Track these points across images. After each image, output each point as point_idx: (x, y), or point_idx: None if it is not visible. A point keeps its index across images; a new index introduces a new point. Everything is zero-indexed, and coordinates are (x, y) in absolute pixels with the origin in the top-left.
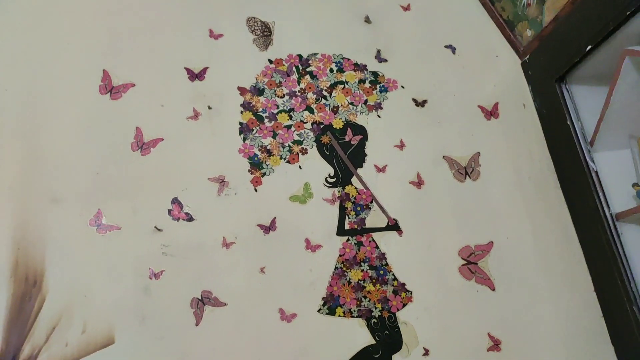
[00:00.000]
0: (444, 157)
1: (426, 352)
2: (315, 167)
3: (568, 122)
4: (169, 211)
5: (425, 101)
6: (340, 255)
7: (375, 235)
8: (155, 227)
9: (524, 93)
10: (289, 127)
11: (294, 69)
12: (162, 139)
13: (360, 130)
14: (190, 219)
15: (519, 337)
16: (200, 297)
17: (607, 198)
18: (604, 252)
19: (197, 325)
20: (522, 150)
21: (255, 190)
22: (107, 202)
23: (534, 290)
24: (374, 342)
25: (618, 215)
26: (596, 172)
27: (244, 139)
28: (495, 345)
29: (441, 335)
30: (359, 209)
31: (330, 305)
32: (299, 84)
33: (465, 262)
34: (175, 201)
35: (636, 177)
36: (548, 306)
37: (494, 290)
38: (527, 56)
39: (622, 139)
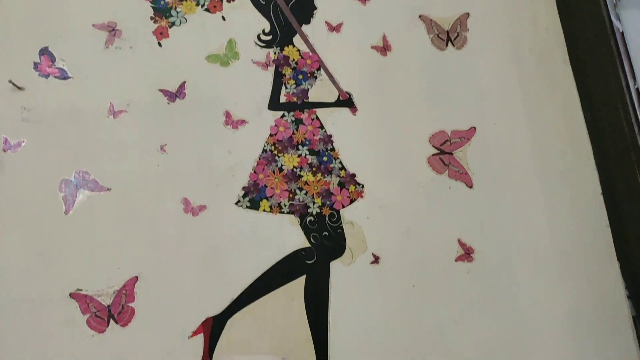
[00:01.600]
0: (420, 16)
1: (375, 260)
2: (245, 20)
3: None
4: (35, 65)
5: None
6: (271, 135)
7: (320, 112)
8: (13, 83)
9: None
10: None
11: None
12: None
13: None
14: (64, 76)
15: (497, 247)
16: (72, 179)
17: (633, 69)
18: (623, 142)
19: (66, 213)
20: (525, 13)
21: (159, 44)
22: None
23: (522, 190)
24: (308, 245)
25: None
26: (622, 33)
27: None
28: (467, 254)
29: (397, 240)
30: (300, 77)
31: (253, 197)
32: None
33: (437, 151)
34: (45, 52)
35: None
36: (538, 210)
37: (471, 187)
38: None
39: None
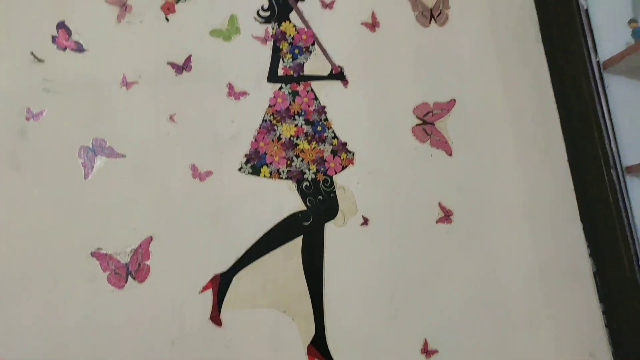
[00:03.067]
0: None
1: (365, 222)
2: None
3: None
4: (54, 38)
5: None
6: (270, 106)
7: (314, 84)
8: (34, 55)
9: None
10: None
11: None
12: None
13: None
14: (80, 49)
15: (474, 210)
16: (90, 146)
17: (595, 42)
18: (585, 109)
19: (85, 177)
20: None
21: (167, 19)
22: None
23: (497, 157)
24: (304, 208)
25: (606, 62)
26: (586, 10)
27: None
28: (446, 216)
29: (384, 204)
30: (296, 51)
31: (255, 163)
32: None
33: (420, 121)
34: (62, 26)
35: (633, 11)
36: (511, 176)
37: (450, 155)
38: None
39: None
